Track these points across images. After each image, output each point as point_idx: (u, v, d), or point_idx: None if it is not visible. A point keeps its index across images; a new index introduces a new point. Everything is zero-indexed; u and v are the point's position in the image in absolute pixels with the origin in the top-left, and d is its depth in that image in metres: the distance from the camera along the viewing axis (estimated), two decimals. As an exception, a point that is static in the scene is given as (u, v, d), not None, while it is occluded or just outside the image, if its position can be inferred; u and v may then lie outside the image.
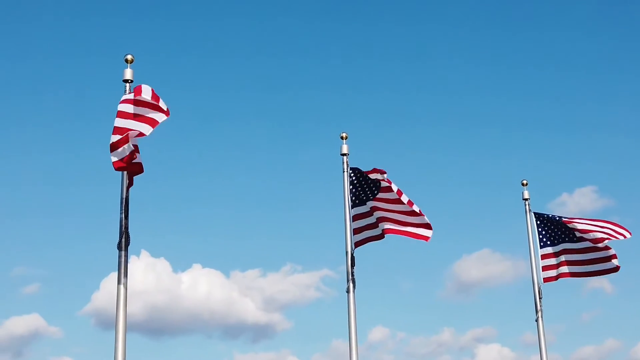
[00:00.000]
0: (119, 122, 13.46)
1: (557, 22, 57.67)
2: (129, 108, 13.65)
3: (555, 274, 20.58)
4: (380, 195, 17.77)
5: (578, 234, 20.35)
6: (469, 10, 57.84)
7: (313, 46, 57.22)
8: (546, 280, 20.61)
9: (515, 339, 52.87)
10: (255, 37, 57.18)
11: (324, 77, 56.89)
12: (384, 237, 17.96)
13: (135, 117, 13.55)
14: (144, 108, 13.66)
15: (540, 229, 21.00)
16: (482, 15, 57.92)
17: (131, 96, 13.83)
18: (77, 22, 54.75)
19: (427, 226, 17.64)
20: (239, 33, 57.14)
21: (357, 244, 17.75)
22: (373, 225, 17.96)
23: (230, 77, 56.39)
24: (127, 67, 14.66)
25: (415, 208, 17.51)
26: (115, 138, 13.27)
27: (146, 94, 13.63)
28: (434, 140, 55.32)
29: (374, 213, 17.89)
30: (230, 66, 56.37)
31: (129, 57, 14.72)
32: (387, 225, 17.83)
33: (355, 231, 17.83)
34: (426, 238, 17.71)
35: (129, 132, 13.31)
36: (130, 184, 13.75)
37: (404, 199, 17.51)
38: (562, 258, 20.53)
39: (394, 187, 17.58)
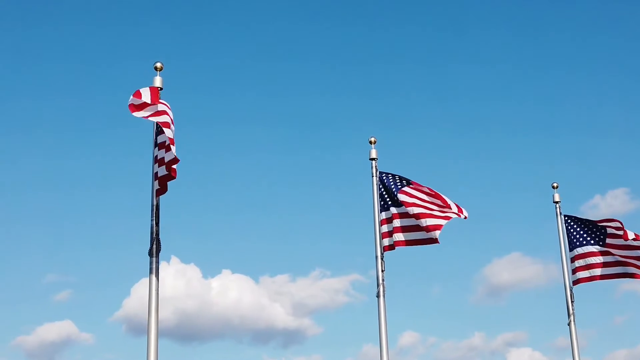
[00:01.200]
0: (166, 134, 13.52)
1: (590, 25, 57.25)
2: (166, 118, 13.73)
3: (584, 276, 20.42)
4: (402, 197, 17.67)
5: (609, 235, 20.16)
6: (492, 15, 57.57)
7: (343, 51, 57.26)
8: (576, 282, 20.46)
9: (547, 343, 52.46)
10: (284, 42, 57.34)
11: (353, 81, 56.89)
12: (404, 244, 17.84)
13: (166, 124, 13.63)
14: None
15: (570, 232, 20.86)
16: (507, 19, 57.61)
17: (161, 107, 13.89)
18: (107, 30, 55.23)
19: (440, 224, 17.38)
20: (268, 38, 57.35)
21: (386, 248, 17.71)
22: (396, 231, 17.86)
23: (258, 81, 56.57)
24: (156, 75, 14.76)
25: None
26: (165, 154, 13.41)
27: (146, 97, 13.73)
28: (463, 144, 55.12)
29: (394, 220, 17.82)
30: (259, 71, 56.57)
31: (159, 64, 14.80)
32: (398, 237, 17.69)
33: (384, 235, 17.80)
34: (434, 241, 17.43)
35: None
36: (163, 190, 13.83)
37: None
38: (591, 260, 20.35)
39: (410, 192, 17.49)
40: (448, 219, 17.34)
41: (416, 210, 17.43)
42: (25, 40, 53.64)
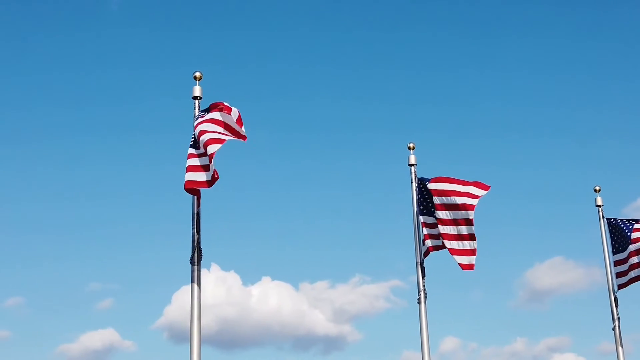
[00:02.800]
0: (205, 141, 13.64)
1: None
2: (212, 127, 13.85)
3: (626, 280, 20.16)
4: (440, 208, 17.50)
5: None
6: (539, 18, 57.12)
7: (381, 57, 57.17)
8: (621, 286, 20.21)
9: (591, 348, 51.73)
10: (321, 48, 57.41)
11: (392, 87, 56.78)
12: (445, 247, 17.65)
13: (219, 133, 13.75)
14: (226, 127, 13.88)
15: (612, 235, 20.62)
16: (554, 22, 57.14)
17: (215, 114, 14.01)
18: (145, 40, 55.79)
19: (472, 252, 17.17)
20: (307, 46, 57.47)
21: (425, 253, 17.64)
22: (437, 236, 17.74)
23: (297, 88, 56.74)
24: (195, 84, 14.88)
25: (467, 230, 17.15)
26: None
27: (234, 115, 13.86)
28: (503, 148, 54.69)
29: (438, 226, 17.66)
30: (297, 77, 56.71)
31: (198, 74, 14.92)
32: (435, 242, 17.55)
33: (424, 241, 17.72)
34: (470, 267, 17.17)
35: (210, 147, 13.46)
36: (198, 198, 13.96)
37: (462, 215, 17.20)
38: (631, 261, 20.06)
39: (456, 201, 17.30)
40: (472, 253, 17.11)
41: (444, 230, 17.23)
42: (67, 48, 54.41)
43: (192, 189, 13.58)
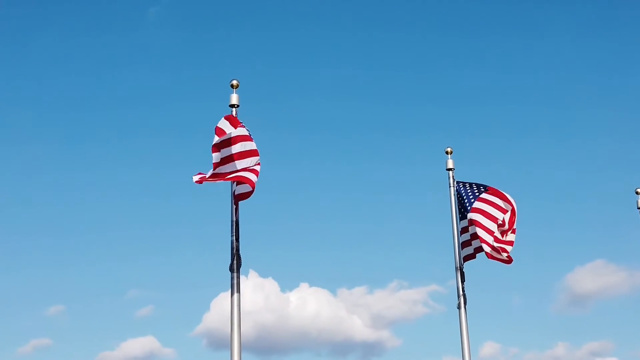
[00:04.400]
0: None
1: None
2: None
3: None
4: (477, 205, 17.40)
5: None
6: (581, 20, 56.59)
7: (418, 60, 56.99)
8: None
9: (635, 352, 50.94)
10: (359, 51, 57.34)
11: (429, 90, 56.55)
12: (482, 250, 17.54)
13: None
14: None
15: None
16: (592, 25, 56.57)
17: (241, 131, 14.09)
18: (182, 47, 56.24)
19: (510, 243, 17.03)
20: (344, 47, 57.42)
21: (465, 258, 17.53)
22: (474, 238, 17.62)
23: (335, 92, 56.73)
24: (232, 92, 14.97)
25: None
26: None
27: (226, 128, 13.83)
28: (541, 151, 54.19)
29: (469, 228, 17.59)
30: (334, 79, 56.71)
31: (235, 82, 15.00)
32: (477, 244, 17.43)
33: (463, 245, 17.62)
34: (507, 261, 17.08)
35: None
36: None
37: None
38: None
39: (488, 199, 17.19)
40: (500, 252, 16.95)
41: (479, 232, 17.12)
42: (105, 55, 55.01)
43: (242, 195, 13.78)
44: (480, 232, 16.91)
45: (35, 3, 54.03)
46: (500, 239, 16.89)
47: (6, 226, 49.13)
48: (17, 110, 52.48)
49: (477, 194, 17.53)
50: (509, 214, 17.09)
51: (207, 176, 13.57)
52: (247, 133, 13.98)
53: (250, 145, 13.79)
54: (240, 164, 13.67)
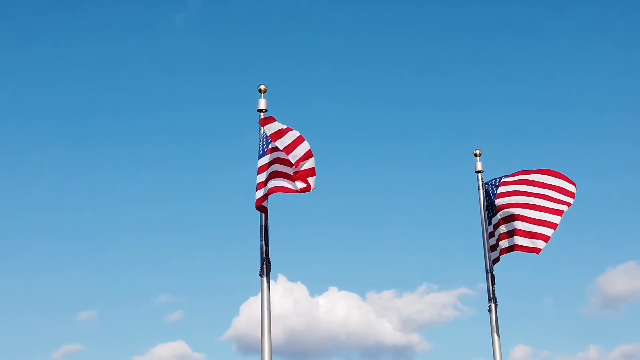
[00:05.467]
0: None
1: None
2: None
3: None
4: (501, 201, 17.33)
5: None
6: (610, 20, 56.14)
7: (446, 62, 56.78)
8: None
9: (668, 355, 50.40)
10: (386, 54, 57.24)
11: (456, 91, 56.31)
12: (513, 249, 17.39)
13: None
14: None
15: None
16: (623, 26, 56.09)
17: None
18: (209, 52, 56.50)
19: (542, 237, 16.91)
20: (371, 51, 57.31)
21: (494, 261, 17.44)
22: (500, 238, 17.53)
23: (360, 94, 56.67)
24: (260, 97, 15.00)
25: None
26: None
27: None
28: (570, 153, 53.74)
29: (496, 230, 17.51)
30: (363, 83, 56.61)
31: (262, 86, 15.02)
32: (502, 245, 17.35)
33: (492, 248, 17.52)
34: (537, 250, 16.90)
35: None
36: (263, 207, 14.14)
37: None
38: None
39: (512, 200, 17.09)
40: (560, 214, 16.71)
41: (516, 211, 16.99)
42: (132, 61, 55.40)
43: (262, 206, 13.83)
44: (505, 228, 16.97)
45: (59, 10, 54.56)
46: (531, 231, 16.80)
47: (37, 232, 49.64)
48: (43, 113, 52.94)
49: (495, 190, 17.41)
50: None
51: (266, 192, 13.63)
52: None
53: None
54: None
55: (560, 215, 16.60)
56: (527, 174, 17.24)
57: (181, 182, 53.55)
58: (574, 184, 16.84)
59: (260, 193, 13.71)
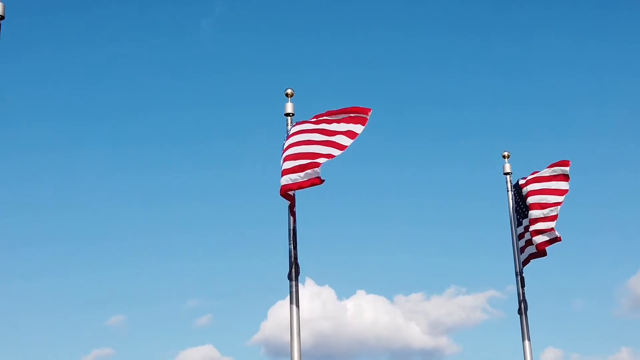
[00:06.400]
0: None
1: None
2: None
3: None
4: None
5: None
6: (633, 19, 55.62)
7: (473, 62, 56.48)
8: None
9: (700, 357, 49.76)
10: (416, 53, 57.06)
11: (485, 93, 55.97)
12: (545, 254, 17.29)
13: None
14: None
15: None
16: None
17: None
18: (236, 58, 56.75)
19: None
20: (396, 52, 57.25)
21: (524, 263, 17.33)
22: (530, 242, 17.43)
23: (389, 95, 56.48)
24: (287, 101, 15.04)
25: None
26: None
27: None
28: (599, 153, 53.27)
29: (525, 234, 17.40)
30: (391, 83, 56.45)
31: (289, 90, 15.08)
32: (531, 250, 17.26)
33: (521, 250, 17.42)
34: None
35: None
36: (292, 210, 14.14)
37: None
38: None
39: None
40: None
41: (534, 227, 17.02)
42: (159, 64, 55.80)
43: (286, 193, 13.86)
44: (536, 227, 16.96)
45: (86, 17, 55.09)
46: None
47: (67, 237, 50.07)
48: (81, 112, 53.43)
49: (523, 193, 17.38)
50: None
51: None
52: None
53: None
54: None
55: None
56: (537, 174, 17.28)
57: (210, 186, 53.80)
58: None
59: (284, 180, 13.69)
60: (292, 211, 14.12)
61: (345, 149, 13.69)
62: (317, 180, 13.40)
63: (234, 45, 56.48)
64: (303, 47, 56.78)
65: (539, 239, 16.70)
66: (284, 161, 13.73)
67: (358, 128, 13.89)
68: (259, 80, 54.66)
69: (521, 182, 17.43)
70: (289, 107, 14.94)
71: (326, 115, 14.28)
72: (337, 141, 13.78)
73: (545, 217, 16.70)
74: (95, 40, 54.26)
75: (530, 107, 54.68)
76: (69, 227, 50.01)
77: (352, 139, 13.80)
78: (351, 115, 14.10)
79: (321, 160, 13.45)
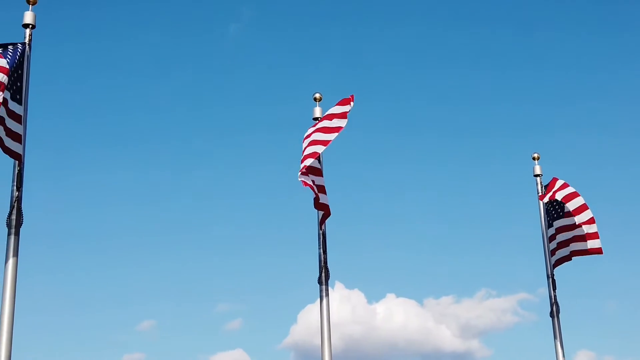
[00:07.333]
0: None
1: None
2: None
3: None
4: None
5: None
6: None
7: (504, 58, 56.05)
8: None
9: None
10: (446, 48, 56.85)
11: (515, 91, 55.53)
12: (571, 259, 17.27)
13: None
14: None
15: None
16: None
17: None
18: (263, 63, 56.99)
19: (595, 235, 16.79)
20: (432, 44, 57.06)
21: (554, 265, 17.23)
22: (562, 245, 17.33)
23: (416, 90, 56.18)
24: (316, 106, 15.09)
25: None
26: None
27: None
28: (629, 150, 52.68)
29: (557, 236, 17.32)
30: (418, 78, 56.23)
31: (317, 95, 15.13)
32: (563, 253, 17.20)
33: (552, 253, 17.32)
34: (598, 250, 16.81)
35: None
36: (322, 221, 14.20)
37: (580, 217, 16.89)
38: None
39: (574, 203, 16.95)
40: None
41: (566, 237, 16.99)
42: (185, 69, 56.21)
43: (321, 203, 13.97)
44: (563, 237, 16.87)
45: (115, 25, 55.62)
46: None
47: (96, 243, 50.50)
48: (111, 114, 53.93)
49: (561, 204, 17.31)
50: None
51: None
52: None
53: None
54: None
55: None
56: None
57: (241, 191, 53.93)
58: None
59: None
60: (322, 220, 14.21)
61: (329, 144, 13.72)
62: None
63: (261, 50, 56.69)
64: (331, 51, 56.85)
65: (580, 245, 16.74)
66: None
67: (342, 122, 13.90)
68: (287, 85, 54.79)
69: (558, 183, 17.28)
70: (317, 112, 14.99)
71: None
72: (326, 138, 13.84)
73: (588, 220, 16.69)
74: (123, 48, 54.71)
75: (564, 104, 54.13)
76: (97, 231, 50.42)
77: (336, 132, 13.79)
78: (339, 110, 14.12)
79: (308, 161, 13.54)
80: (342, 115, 13.98)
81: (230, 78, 55.63)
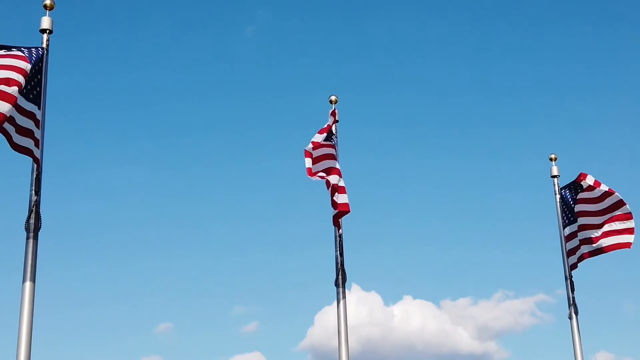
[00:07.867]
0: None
1: None
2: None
3: None
4: (582, 207, 17.13)
5: None
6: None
7: (522, 52, 55.75)
8: None
9: None
10: (460, 43, 56.72)
11: (536, 88, 55.24)
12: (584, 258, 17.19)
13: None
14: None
15: None
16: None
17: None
18: (279, 65, 57.08)
19: (629, 231, 16.70)
20: (443, 39, 56.91)
21: (572, 266, 17.12)
22: (581, 244, 17.23)
23: (431, 85, 56.06)
24: (332, 108, 15.10)
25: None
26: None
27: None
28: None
29: (578, 234, 17.21)
30: (434, 74, 56.08)
31: (333, 97, 15.14)
32: (582, 251, 17.10)
33: (569, 253, 17.21)
34: (627, 245, 16.74)
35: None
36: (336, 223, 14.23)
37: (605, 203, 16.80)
38: None
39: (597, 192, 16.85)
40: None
41: (594, 221, 16.85)
42: (201, 72, 56.32)
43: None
44: (588, 234, 16.72)
45: (132, 28, 55.86)
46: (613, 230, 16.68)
47: (114, 246, 50.71)
48: (132, 118, 54.13)
49: (574, 196, 17.18)
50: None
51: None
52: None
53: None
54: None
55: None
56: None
57: (258, 195, 54.05)
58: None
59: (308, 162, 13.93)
60: (337, 221, 14.19)
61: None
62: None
63: (277, 52, 56.77)
64: (346, 54, 56.85)
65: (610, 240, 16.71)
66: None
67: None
68: (303, 88, 54.87)
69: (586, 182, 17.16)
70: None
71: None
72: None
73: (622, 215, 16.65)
74: (138, 51, 54.94)
75: (580, 102, 53.81)
76: (114, 235, 50.63)
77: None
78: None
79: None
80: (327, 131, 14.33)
81: (245, 81, 55.79)
